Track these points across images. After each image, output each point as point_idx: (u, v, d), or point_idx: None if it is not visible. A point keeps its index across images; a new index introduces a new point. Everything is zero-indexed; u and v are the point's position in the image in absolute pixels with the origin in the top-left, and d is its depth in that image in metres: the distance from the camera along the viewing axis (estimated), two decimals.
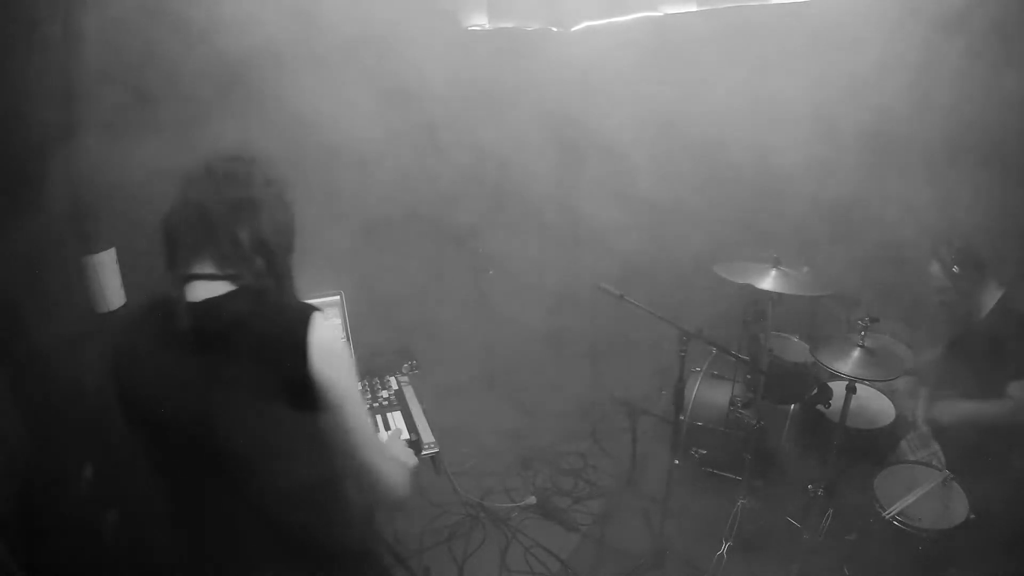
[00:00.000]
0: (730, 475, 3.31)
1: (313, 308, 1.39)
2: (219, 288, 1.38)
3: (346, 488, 1.52)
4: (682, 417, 3.01)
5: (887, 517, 2.53)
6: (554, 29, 4.26)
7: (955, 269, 2.79)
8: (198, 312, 1.34)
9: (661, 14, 4.08)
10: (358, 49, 2.93)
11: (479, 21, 4.12)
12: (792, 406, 3.20)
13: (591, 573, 3.08)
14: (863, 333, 2.66)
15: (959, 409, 2.85)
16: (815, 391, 2.84)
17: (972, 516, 2.49)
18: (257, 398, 1.33)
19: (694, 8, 4.01)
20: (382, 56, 3.09)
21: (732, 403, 3.26)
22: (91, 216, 2.28)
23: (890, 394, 3.19)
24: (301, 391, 1.33)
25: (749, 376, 3.05)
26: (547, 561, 3.16)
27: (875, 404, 3.15)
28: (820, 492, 2.79)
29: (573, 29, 4.26)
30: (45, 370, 2.13)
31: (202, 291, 1.37)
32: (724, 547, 2.97)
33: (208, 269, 1.39)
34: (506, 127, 3.84)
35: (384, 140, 3.24)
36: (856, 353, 2.62)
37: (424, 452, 2.29)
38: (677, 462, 3.02)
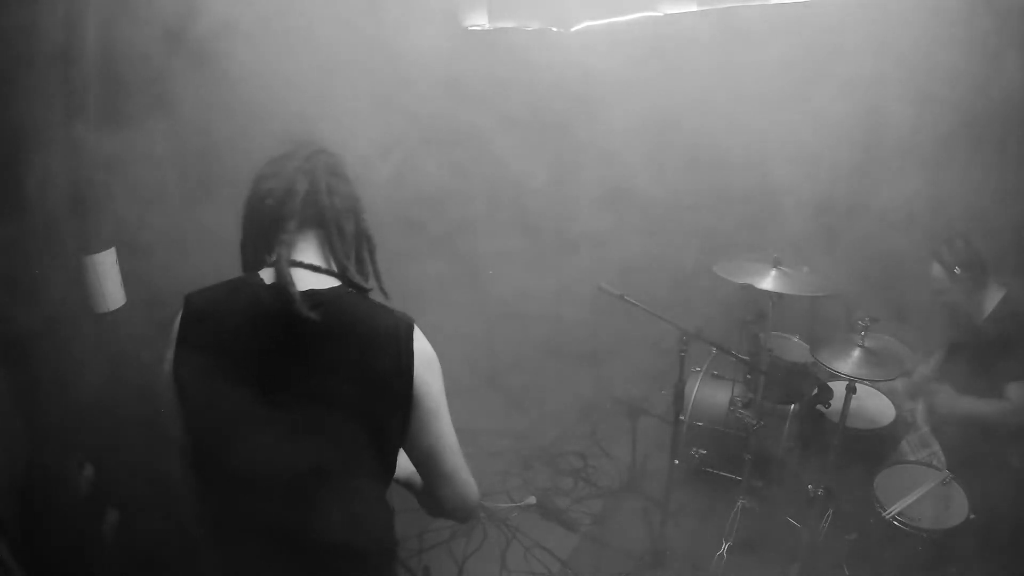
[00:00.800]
0: (730, 475, 3.31)
1: (412, 318, 1.36)
2: (323, 281, 1.33)
3: (387, 497, 1.46)
4: (682, 417, 3.01)
5: (887, 517, 2.53)
6: (554, 29, 4.26)
7: (957, 271, 2.78)
8: (307, 302, 1.25)
9: (661, 14, 4.08)
10: (359, 49, 2.93)
11: (479, 21, 4.12)
12: (792, 406, 3.19)
13: (591, 573, 3.08)
14: (863, 333, 2.66)
15: (957, 403, 2.84)
16: (815, 391, 2.84)
17: (972, 516, 2.49)
18: (356, 398, 1.27)
19: (694, 8, 4.02)
20: (382, 56, 3.09)
21: (732, 403, 3.26)
22: (91, 216, 2.28)
23: (890, 394, 3.19)
24: (402, 396, 1.30)
25: (749, 376, 3.05)
26: (547, 561, 3.16)
27: (875, 404, 3.15)
28: (820, 492, 2.79)
29: (573, 29, 4.26)
30: (45, 370, 2.13)
31: (304, 281, 1.28)
32: (724, 547, 2.97)
33: (312, 259, 1.34)
34: (506, 127, 3.84)
35: (383, 140, 3.24)
36: (856, 353, 2.62)
37: None
38: (677, 462, 3.02)
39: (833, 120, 3.36)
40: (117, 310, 2.34)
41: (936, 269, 2.85)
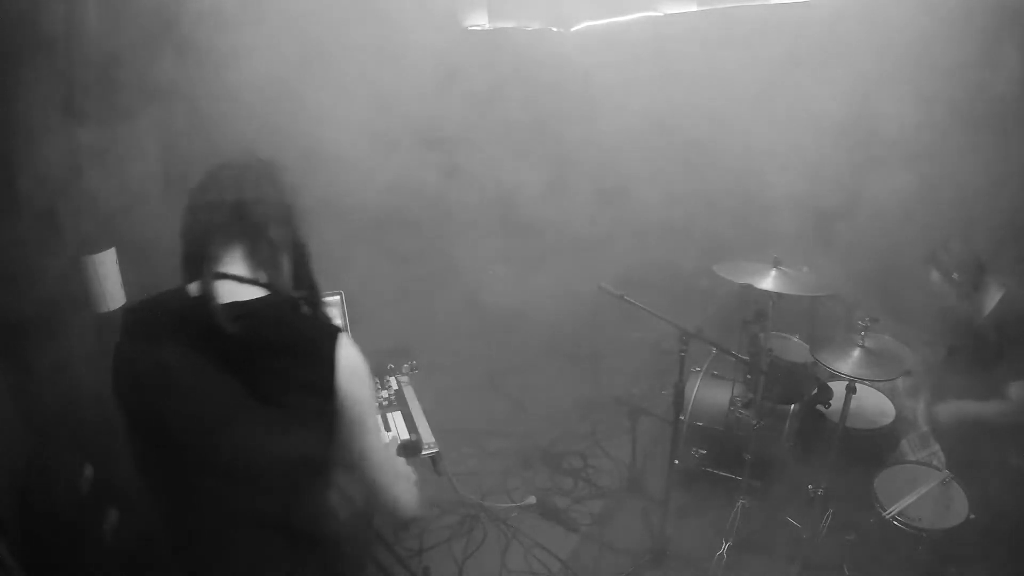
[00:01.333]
0: (730, 475, 3.31)
1: (339, 327, 1.37)
2: (249, 292, 1.34)
3: (345, 497, 1.52)
4: (682, 417, 3.01)
5: (887, 517, 2.53)
6: (554, 29, 4.26)
7: (955, 276, 2.77)
8: (228, 314, 1.27)
9: (661, 14, 4.08)
10: (359, 49, 2.93)
11: (479, 21, 4.13)
12: (792, 406, 3.19)
13: (591, 573, 3.08)
14: (863, 333, 2.66)
15: (959, 409, 2.84)
16: (815, 391, 2.84)
17: (972, 516, 2.49)
18: (278, 407, 1.30)
19: (694, 8, 4.02)
20: (382, 56, 3.09)
21: (732, 403, 3.26)
22: (91, 216, 2.28)
23: (890, 394, 3.19)
24: (324, 405, 1.31)
25: (749, 376, 3.04)
26: (547, 561, 3.16)
27: (875, 404, 3.15)
28: (820, 492, 2.79)
29: (573, 29, 4.26)
30: (45, 370, 2.13)
31: (229, 292, 1.31)
32: (724, 547, 2.97)
33: (238, 270, 1.35)
34: (505, 127, 3.85)
35: (384, 140, 3.24)
36: (856, 353, 2.62)
37: (424, 452, 2.29)
38: (677, 462, 3.02)
39: (832, 120, 3.37)
40: (117, 310, 2.34)
41: (934, 274, 2.85)
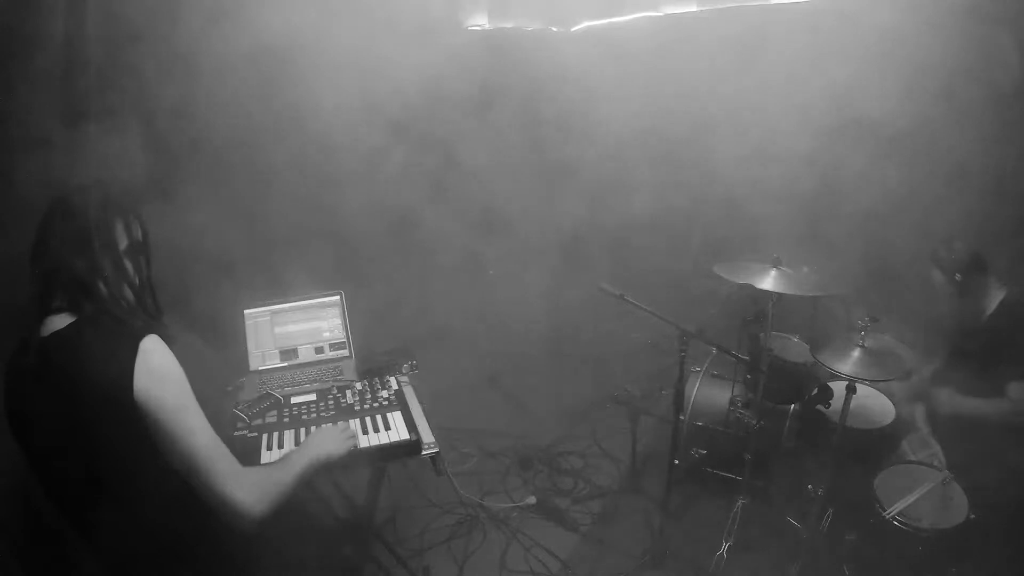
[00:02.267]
0: (730, 475, 3.31)
1: (148, 331, 1.42)
2: (64, 320, 1.43)
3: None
4: (682, 417, 3.01)
5: (887, 517, 2.53)
6: (554, 29, 4.26)
7: (958, 277, 2.77)
8: (45, 346, 1.40)
9: (661, 14, 4.08)
10: (360, 49, 2.93)
11: (479, 21, 4.12)
12: (792, 406, 3.19)
13: (591, 573, 3.08)
14: (863, 333, 2.66)
15: (958, 403, 2.83)
16: (815, 391, 2.84)
17: (972, 516, 2.49)
18: (94, 424, 1.37)
19: (694, 8, 4.02)
20: (383, 56, 3.09)
21: (732, 403, 3.26)
22: None
23: (890, 394, 3.18)
24: (127, 414, 1.37)
25: (749, 376, 3.04)
26: (547, 561, 3.16)
27: (875, 404, 3.15)
28: (820, 492, 2.79)
29: (573, 29, 4.26)
30: None
31: (52, 324, 1.43)
32: (724, 547, 2.97)
33: (57, 302, 1.45)
34: (505, 127, 3.84)
35: (384, 140, 3.24)
36: (856, 353, 2.62)
37: (424, 452, 2.29)
38: (677, 462, 3.02)
39: (833, 119, 3.37)
40: None
41: (937, 275, 2.84)
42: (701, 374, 3.52)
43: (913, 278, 3.16)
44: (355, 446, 2.00)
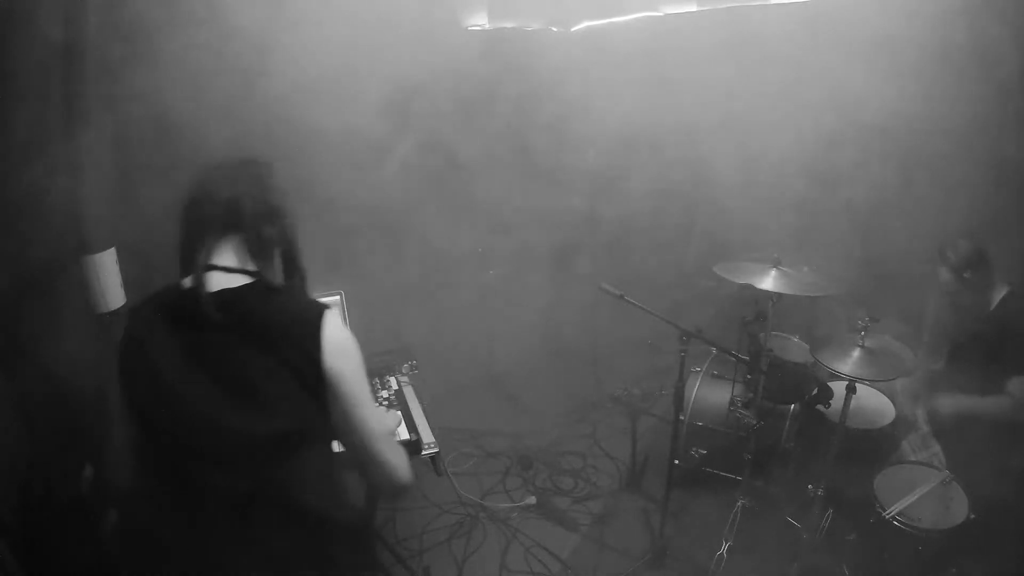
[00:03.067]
0: (730, 475, 3.31)
1: (325, 306, 1.43)
2: (235, 280, 1.41)
3: (347, 477, 1.56)
4: (682, 417, 3.01)
5: (887, 517, 2.53)
6: (554, 29, 4.26)
7: (966, 275, 2.76)
8: (216, 301, 1.36)
9: (661, 14, 4.08)
10: (360, 49, 2.93)
11: (479, 21, 4.12)
12: (792, 406, 3.19)
13: (591, 573, 3.08)
14: (863, 333, 2.66)
15: (959, 402, 2.83)
16: (815, 391, 2.84)
17: (972, 516, 2.49)
18: (268, 388, 1.36)
19: (694, 8, 4.02)
20: (383, 56, 3.09)
21: (732, 403, 3.25)
22: (91, 216, 2.28)
23: (890, 394, 3.19)
24: (312, 383, 1.37)
25: (749, 376, 3.04)
26: (547, 561, 3.16)
27: (875, 404, 3.15)
28: (820, 492, 2.79)
29: (573, 29, 4.26)
30: (45, 370, 2.13)
31: (217, 282, 1.39)
32: (724, 547, 2.97)
33: (228, 262, 1.42)
34: (504, 127, 3.84)
35: (385, 140, 3.24)
36: (856, 353, 2.62)
37: (424, 452, 2.29)
38: (677, 462, 3.02)
39: (833, 119, 3.36)
40: (117, 310, 2.34)
41: (943, 273, 2.83)
42: (701, 374, 3.52)
43: (913, 278, 3.16)
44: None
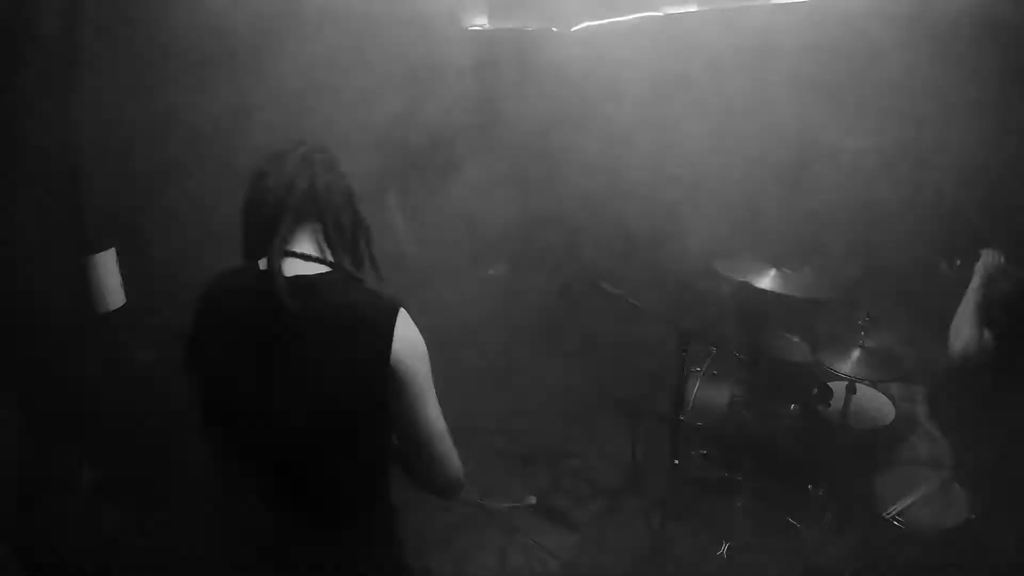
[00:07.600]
0: (730, 475, 3.31)
1: (400, 301, 1.41)
2: (313, 268, 1.40)
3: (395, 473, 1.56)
4: (682, 417, 3.01)
5: (887, 517, 2.53)
6: (554, 29, 4.26)
7: (958, 262, 2.75)
8: (291, 286, 1.34)
9: (661, 14, 4.08)
10: (359, 49, 2.93)
11: (479, 21, 4.12)
12: (792, 406, 3.19)
13: (591, 573, 3.08)
14: (863, 333, 2.66)
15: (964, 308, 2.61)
16: (815, 391, 2.84)
17: (972, 516, 2.49)
18: (335, 378, 1.35)
19: (694, 8, 4.01)
20: (380, 56, 3.09)
21: (732, 403, 3.25)
22: (91, 216, 2.28)
23: (890, 394, 3.18)
24: (377, 377, 1.36)
25: (749, 376, 3.04)
26: (547, 561, 3.16)
27: (875, 404, 3.15)
28: (820, 492, 2.79)
29: (573, 29, 4.26)
30: (45, 370, 2.13)
31: (293, 268, 1.38)
32: (724, 547, 2.97)
33: (304, 249, 1.41)
34: (504, 127, 3.84)
35: (381, 142, 3.24)
36: (856, 353, 2.62)
37: None
38: (677, 462, 3.02)
39: (834, 119, 3.36)
40: (117, 310, 2.34)
41: (943, 267, 2.83)
42: (701, 374, 3.52)
43: (913, 277, 3.16)
44: None
